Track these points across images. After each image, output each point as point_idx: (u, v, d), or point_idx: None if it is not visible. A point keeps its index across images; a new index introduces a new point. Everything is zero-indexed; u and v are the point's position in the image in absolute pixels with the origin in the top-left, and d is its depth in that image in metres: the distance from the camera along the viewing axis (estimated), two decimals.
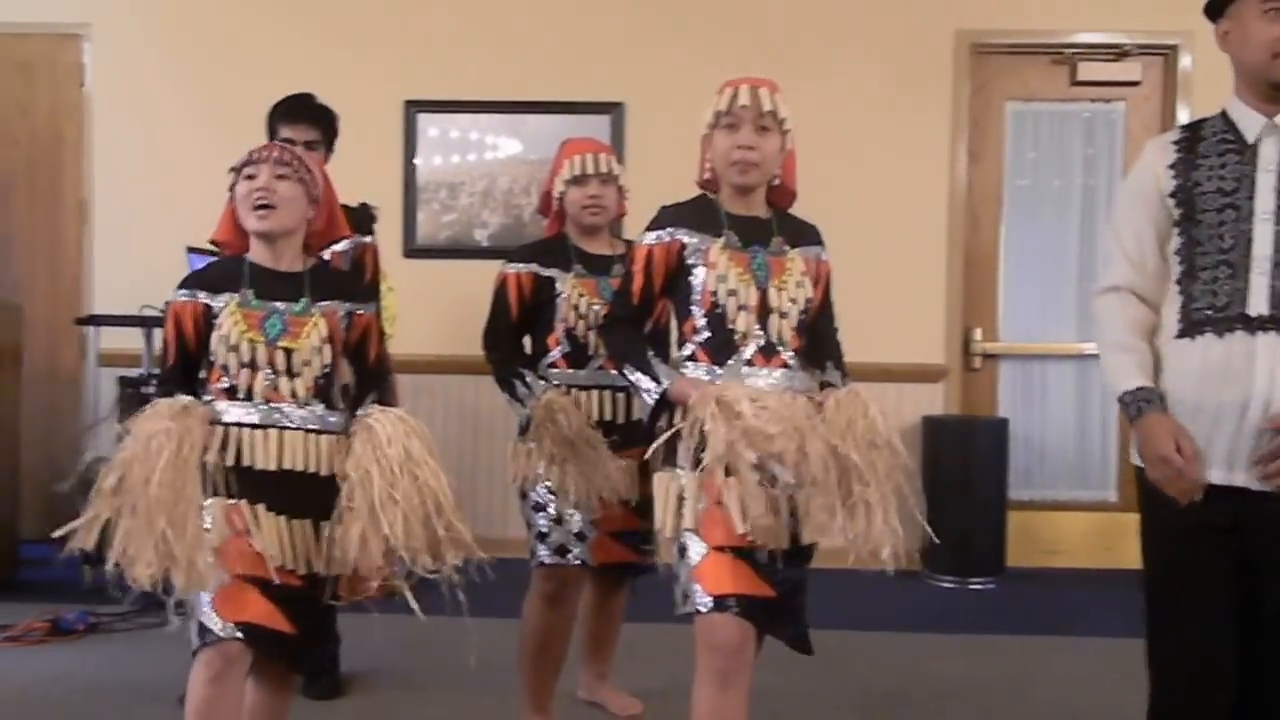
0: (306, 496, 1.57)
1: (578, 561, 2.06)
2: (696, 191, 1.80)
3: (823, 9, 3.92)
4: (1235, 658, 1.44)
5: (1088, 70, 3.95)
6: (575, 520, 2.04)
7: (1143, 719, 1.52)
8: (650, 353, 1.73)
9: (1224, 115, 1.50)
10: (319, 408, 1.61)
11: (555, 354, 2.10)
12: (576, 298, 2.08)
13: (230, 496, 1.55)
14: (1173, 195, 1.48)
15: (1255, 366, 1.40)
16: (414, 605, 1.52)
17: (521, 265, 2.12)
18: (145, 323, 3.37)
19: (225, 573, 1.52)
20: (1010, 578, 3.70)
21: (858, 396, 1.67)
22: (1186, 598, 1.46)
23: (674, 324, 1.84)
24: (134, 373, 3.35)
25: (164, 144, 3.92)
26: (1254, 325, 1.40)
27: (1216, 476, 1.41)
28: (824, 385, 1.74)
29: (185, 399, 1.57)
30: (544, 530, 2.07)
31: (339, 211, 1.76)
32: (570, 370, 2.09)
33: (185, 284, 1.64)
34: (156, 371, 3.22)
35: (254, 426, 1.57)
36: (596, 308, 2.06)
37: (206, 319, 1.60)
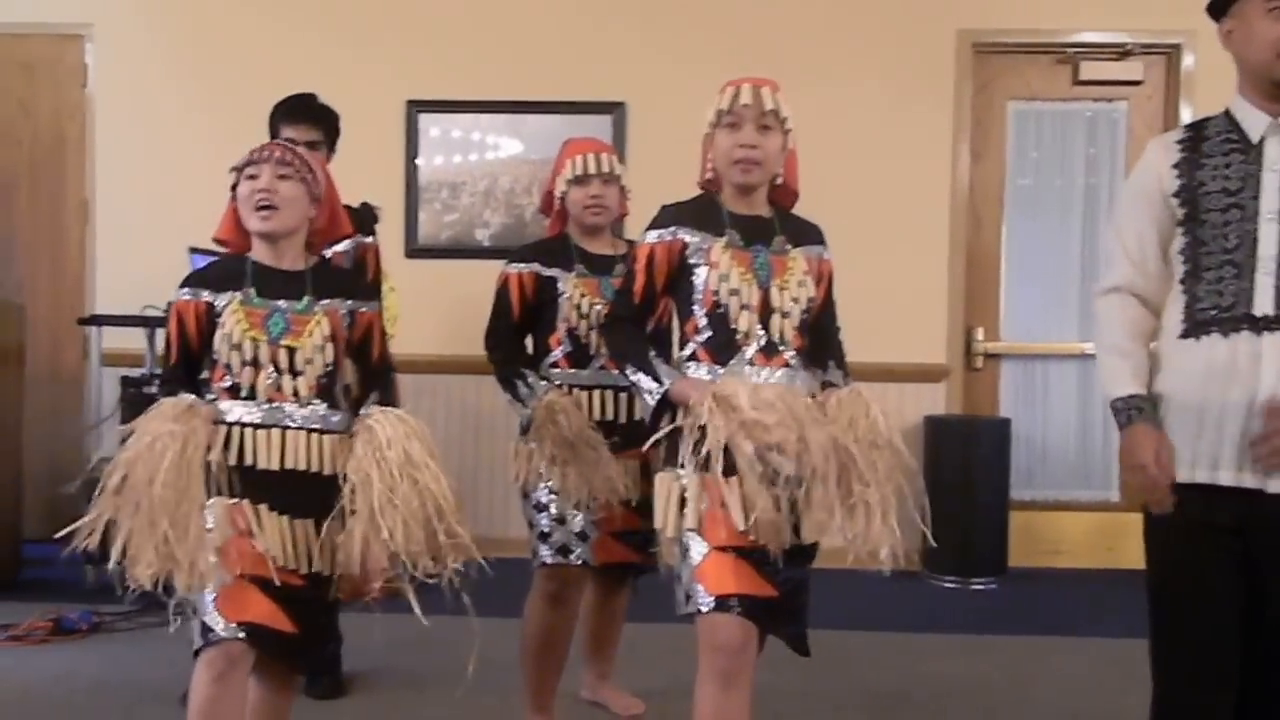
0: (309, 496, 1.57)
1: (580, 561, 2.06)
2: (698, 191, 1.80)
3: (825, 9, 3.91)
4: (1239, 658, 1.43)
5: (1090, 70, 3.94)
6: (577, 520, 2.04)
7: (1145, 719, 1.52)
8: (652, 353, 1.73)
9: (1227, 114, 1.49)
10: (321, 407, 1.61)
11: (557, 354, 2.10)
12: (578, 298, 2.08)
13: (233, 496, 1.55)
14: (1176, 195, 1.47)
15: (1261, 367, 1.39)
16: (416, 608, 1.52)
17: (523, 265, 2.12)
18: (147, 323, 3.37)
19: (228, 573, 1.53)
20: (1012, 578, 3.70)
21: (859, 396, 1.67)
22: (1190, 598, 1.46)
23: (675, 323, 1.84)
24: (136, 373, 3.36)
25: (166, 144, 3.93)
26: (1259, 325, 1.40)
27: (1223, 478, 1.40)
28: (826, 385, 1.74)
29: (189, 398, 1.57)
30: (546, 530, 2.07)
31: (341, 209, 1.76)
32: (572, 370, 2.09)
33: (188, 283, 1.64)
34: (159, 371, 3.22)
35: (257, 426, 1.57)
36: (598, 308, 2.05)
37: (209, 318, 1.60)
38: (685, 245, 1.72)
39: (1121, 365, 1.48)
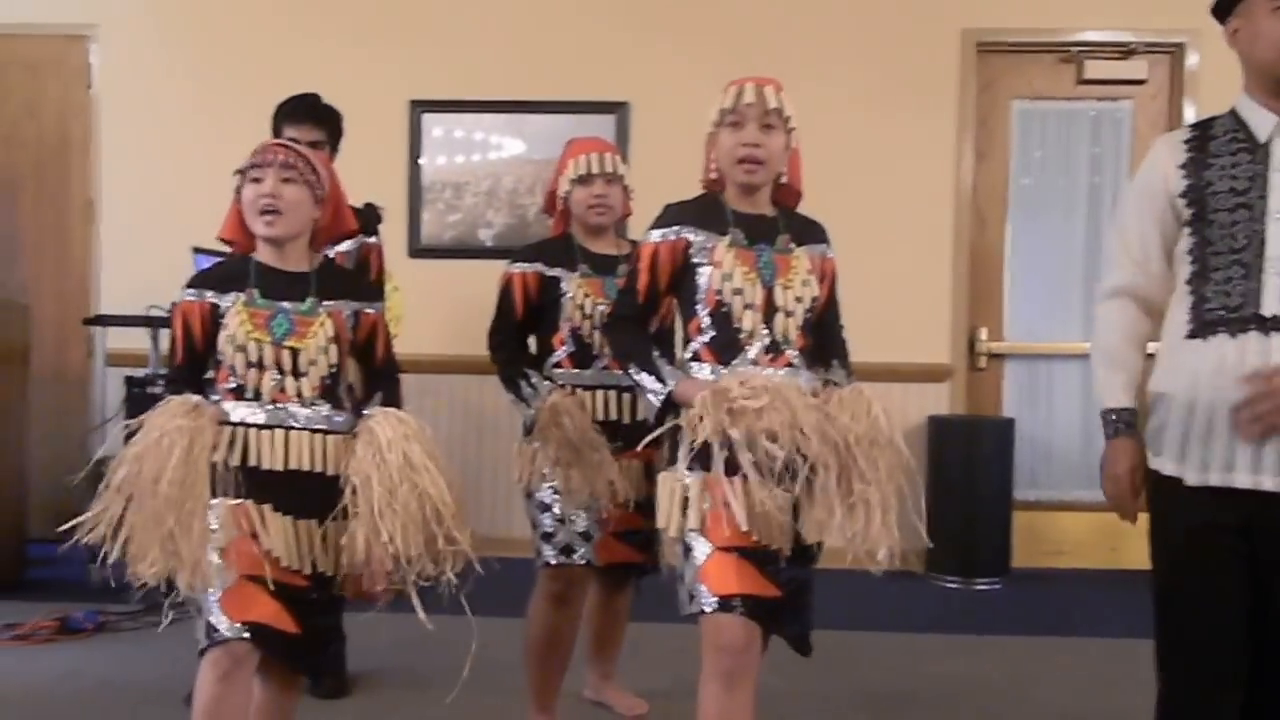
0: (313, 496, 1.57)
1: (583, 561, 2.06)
2: (701, 190, 1.80)
3: (828, 8, 3.91)
4: (1245, 658, 1.43)
5: (1094, 69, 3.94)
6: (580, 520, 2.04)
7: (1150, 719, 1.52)
8: (655, 352, 1.73)
9: (1234, 114, 1.48)
10: (325, 407, 1.61)
11: (560, 354, 2.10)
12: (582, 298, 2.08)
13: (237, 497, 1.55)
14: (1184, 195, 1.47)
15: None
16: (419, 610, 1.52)
17: (526, 265, 2.12)
18: (152, 323, 3.38)
19: (233, 573, 1.53)
20: (1015, 578, 3.70)
21: (861, 394, 1.67)
22: (1196, 598, 1.45)
23: (679, 323, 1.84)
24: (141, 373, 3.36)
25: (170, 145, 3.93)
26: (1268, 326, 1.39)
27: (1238, 480, 1.39)
28: (829, 384, 1.74)
29: (195, 398, 1.57)
30: (549, 530, 2.07)
31: (346, 206, 1.76)
32: (575, 370, 2.09)
33: (192, 284, 1.65)
34: (163, 371, 3.23)
35: (261, 427, 1.58)
36: (602, 307, 2.05)
37: (213, 318, 1.61)
38: (689, 244, 1.72)
39: (1115, 377, 1.52)
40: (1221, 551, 1.42)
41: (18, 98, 4.08)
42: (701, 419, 1.59)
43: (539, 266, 2.12)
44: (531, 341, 2.17)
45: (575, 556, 2.05)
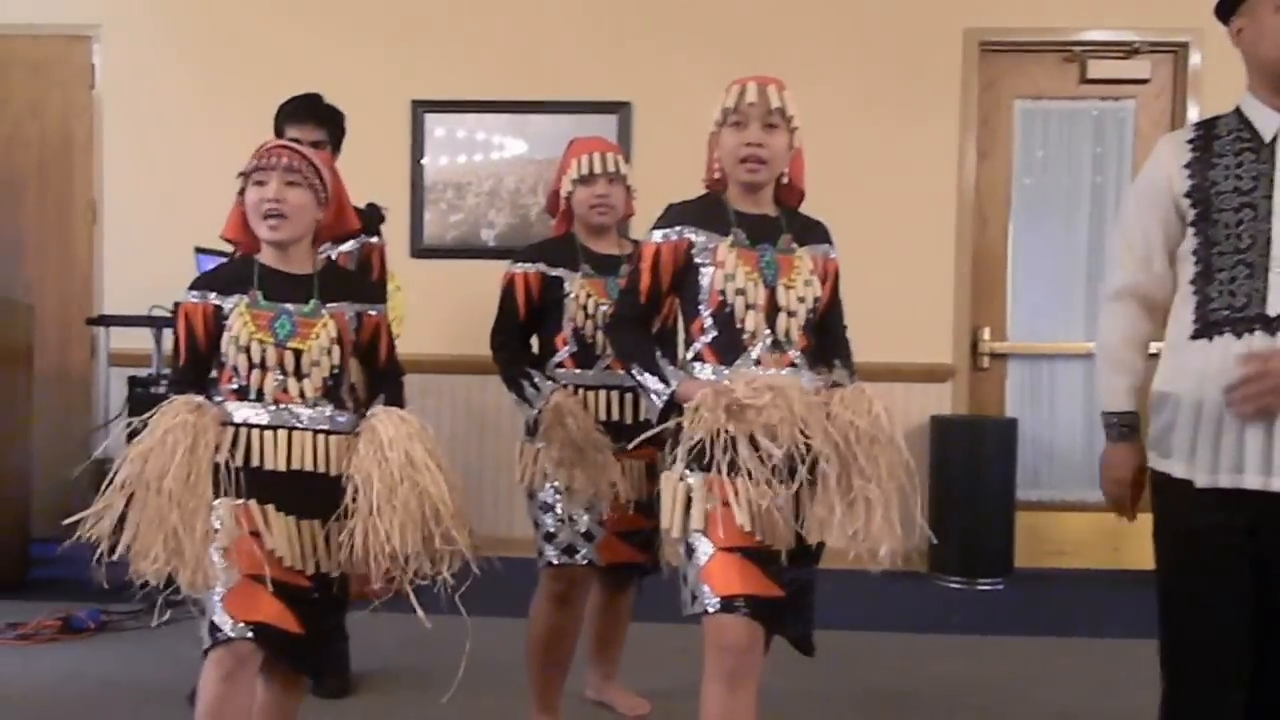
0: (315, 497, 1.58)
1: (585, 561, 2.06)
2: (704, 190, 1.80)
3: (830, 7, 3.91)
4: (1249, 659, 1.43)
5: (1097, 68, 3.93)
6: (583, 520, 2.04)
7: (1153, 719, 1.52)
8: (658, 353, 1.73)
9: (1239, 113, 1.48)
10: (328, 408, 1.61)
11: (563, 354, 2.10)
12: (584, 298, 2.08)
13: (239, 497, 1.55)
14: (1188, 195, 1.46)
15: None
16: (417, 607, 1.52)
17: (528, 265, 2.12)
18: (155, 323, 3.39)
19: (236, 573, 1.53)
20: (1018, 578, 3.69)
21: (863, 393, 1.67)
22: (1200, 598, 1.45)
23: (681, 323, 1.84)
24: (144, 373, 3.37)
25: (173, 145, 3.94)
26: (1273, 325, 1.39)
27: (1248, 481, 1.39)
28: (832, 385, 1.74)
29: (198, 399, 1.57)
30: (552, 530, 2.07)
31: (349, 205, 1.76)
32: (578, 370, 2.09)
33: (196, 285, 1.65)
34: (166, 371, 3.24)
35: (264, 427, 1.58)
36: (604, 308, 2.05)
37: (217, 320, 1.61)
38: (691, 245, 1.72)
39: (1119, 380, 1.54)
40: (1227, 552, 1.42)
41: (21, 98, 4.09)
42: (702, 417, 1.58)
43: (541, 266, 2.12)
44: (534, 342, 2.17)
45: (577, 556, 2.05)
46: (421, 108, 3.96)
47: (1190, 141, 1.49)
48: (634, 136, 3.87)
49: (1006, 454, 3.70)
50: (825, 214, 1.83)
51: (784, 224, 1.75)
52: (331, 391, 1.62)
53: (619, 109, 3.90)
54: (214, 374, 1.64)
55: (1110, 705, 2.45)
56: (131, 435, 1.53)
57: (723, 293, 1.68)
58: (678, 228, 1.72)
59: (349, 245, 2.29)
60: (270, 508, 1.56)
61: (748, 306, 1.68)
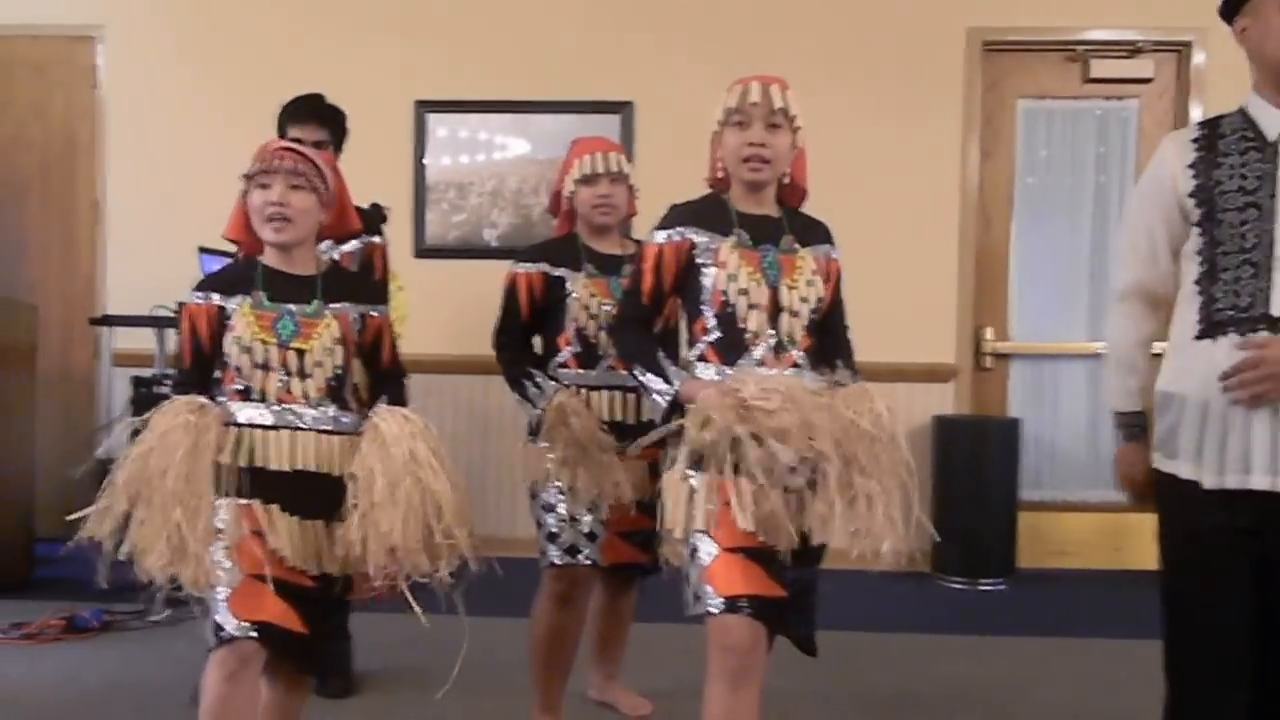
0: (319, 497, 1.58)
1: (588, 561, 2.06)
2: (706, 190, 1.80)
3: (833, 6, 3.91)
4: (1252, 659, 1.42)
5: (1100, 67, 3.92)
6: (586, 520, 2.04)
7: None
8: (660, 353, 1.73)
9: (1243, 113, 1.48)
10: (331, 409, 1.61)
11: (566, 354, 2.10)
12: (587, 298, 2.08)
13: (243, 497, 1.56)
14: (1192, 195, 1.46)
15: None
16: (414, 606, 1.52)
17: (531, 265, 2.12)
18: (158, 323, 3.39)
19: (240, 572, 1.53)
20: (1020, 578, 3.69)
21: (865, 392, 1.67)
22: (1204, 599, 1.45)
23: (683, 324, 1.84)
24: (147, 373, 3.37)
25: (176, 145, 3.95)
26: (1278, 325, 1.39)
27: (1256, 481, 1.39)
28: (835, 385, 1.73)
29: (201, 399, 1.58)
30: (554, 530, 2.07)
31: (351, 206, 1.76)
32: (580, 370, 2.09)
33: (200, 286, 1.66)
34: (170, 371, 3.24)
35: (267, 427, 1.58)
36: (607, 308, 2.05)
37: (220, 321, 1.61)
38: (693, 245, 1.72)
39: (1128, 382, 1.55)
40: (1231, 553, 1.42)
41: (24, 99, 4.10)
42: (709, 419, 1.58)
43: (544, 266, 2.12)
44: (537, 342, 2.17)
45: (580, 557, 2.05)
46: (424, 108, 3.97)
47: (1195, 141, 1.49)
48: (636, 136, 3.87)
49: (1009, 454, 3.70)
50: (828, 214, 1.83)
51: (786, 224, 1.75)
52: (335, 392, 1.62)
53: (621, 109, 3.90)
54: (218, 375, 1.64)
55: (1113, 705, 2.45)
56: (134, 435, 1.53)
57: (725, 293, 1.68)
58: (680, 228, 1.72)
59: (352, 245, 2.29)
60: (274, 508, 1.56)
61: (750, 307, 1.68)
